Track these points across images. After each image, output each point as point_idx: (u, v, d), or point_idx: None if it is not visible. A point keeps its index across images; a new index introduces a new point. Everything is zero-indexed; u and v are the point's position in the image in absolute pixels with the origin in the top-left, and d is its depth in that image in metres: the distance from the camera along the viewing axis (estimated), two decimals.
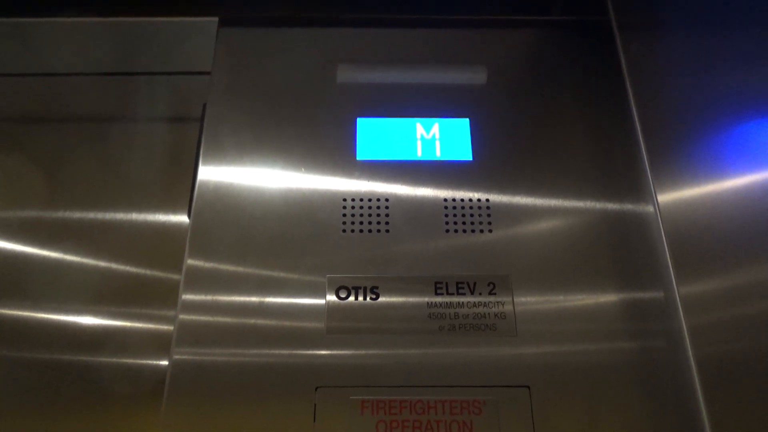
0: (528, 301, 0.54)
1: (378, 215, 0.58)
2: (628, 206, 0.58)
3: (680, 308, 0.47)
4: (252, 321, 0.53)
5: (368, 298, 0.54)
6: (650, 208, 0.53)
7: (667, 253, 0.50)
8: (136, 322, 0.59)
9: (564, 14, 0.70)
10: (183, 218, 0.63)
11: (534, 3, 0.70)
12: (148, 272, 0.61)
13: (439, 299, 0.54)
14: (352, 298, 0.54)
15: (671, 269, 0.49)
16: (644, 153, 0.54)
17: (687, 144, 0.51)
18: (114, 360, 0.58)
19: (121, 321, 0.59)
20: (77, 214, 0.64)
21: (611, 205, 0.59)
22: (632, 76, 0.59)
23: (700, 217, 0.49)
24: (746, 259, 0.43)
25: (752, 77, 0.43)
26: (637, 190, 0.56)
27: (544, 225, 0.58)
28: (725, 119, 0.46)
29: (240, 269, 0.55)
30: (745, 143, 0.44)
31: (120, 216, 0.64)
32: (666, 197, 0.52)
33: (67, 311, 0.60)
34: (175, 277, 0.57)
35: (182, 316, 0.53)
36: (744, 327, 0.43)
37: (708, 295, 0.47)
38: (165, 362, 0.54)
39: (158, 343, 0.57)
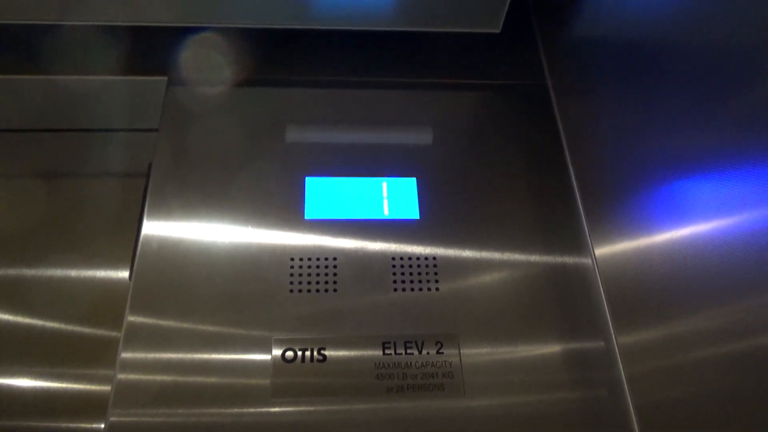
0: (475, 357, 0.54)
1: (326, 274, 0.58)
2: (568, 259, 0.59)
3: (619, 358, 0.48)
4: (194, 380, 0.52)
5: (315, 360, 0.53)
6: (588, 261, 0.54)
7: (605, 304, 0.51)
8: (70, 383, 0.57)
9: (506, 79, 0.72)
10: (125, 275, 0.61)
11: (478, 68, 0.73)
12: (85, 330, 0.59)
13: (386, 359, 0.54)
14: (299, 360, 0.53)
15: (609, 320, 0.50)
16: (581, 208, 0.56)
17: (620, 200, 0.53)
18: (45, 424, 0.55)
19: (53, 382, 0.57)
20: (11, 272, 0.62)
21: (552, 259, 0.60)
22: (568, 136, 0.61)
23: (635, 270, 0.50)
24: (678, 309, 0.44)
25: (678, 139, 0.45)
26: (576, 244, 0.58)
27: (488, 280, 0.59)
28: (654, 177, 0.48)
29: (183, 326, 0.54)
30: (672, 200, 0.45)
31: (58, 273, 0.62)
32: (602, 251, 0.53)
33: None
34: (114, 334, 0.56)
35: (120, 376, 0.52)
36: (679, 375, 0.44)
37: (644, 344, 0.48)
38: (101, 425, 0.52)
39: (93, 405, 0.55)
